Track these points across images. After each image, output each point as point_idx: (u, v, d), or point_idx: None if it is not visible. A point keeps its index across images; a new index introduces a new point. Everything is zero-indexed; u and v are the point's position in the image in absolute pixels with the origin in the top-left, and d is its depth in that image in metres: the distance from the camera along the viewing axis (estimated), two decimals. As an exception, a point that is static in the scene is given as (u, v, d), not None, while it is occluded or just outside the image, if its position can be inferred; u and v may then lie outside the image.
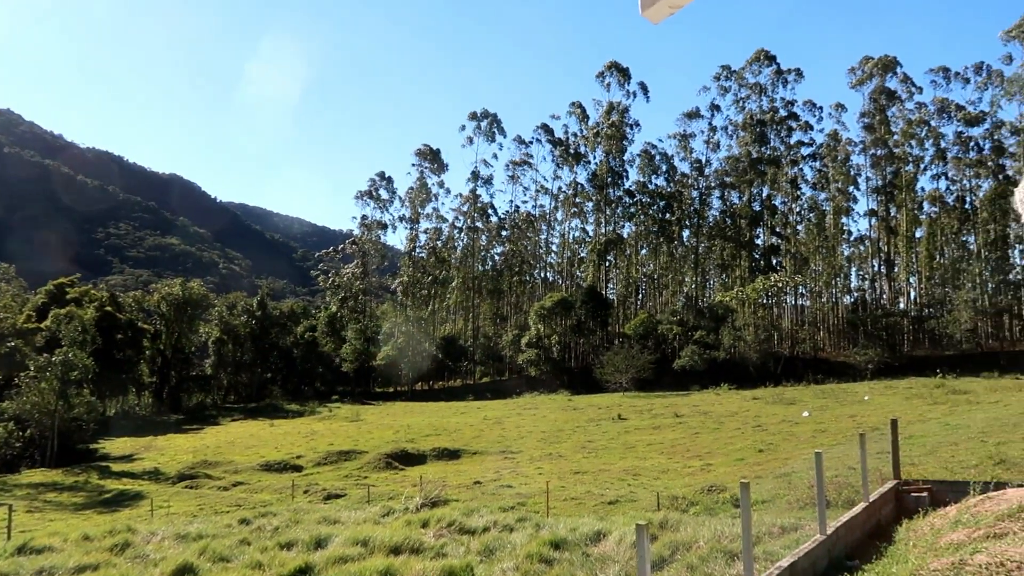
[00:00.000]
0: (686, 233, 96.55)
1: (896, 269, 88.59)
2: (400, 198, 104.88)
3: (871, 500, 13.48)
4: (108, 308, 72.97)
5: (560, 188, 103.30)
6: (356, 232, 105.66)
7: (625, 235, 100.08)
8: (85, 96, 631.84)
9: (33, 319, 68.01)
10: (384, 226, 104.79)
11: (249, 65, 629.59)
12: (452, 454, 38.57)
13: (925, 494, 14.26)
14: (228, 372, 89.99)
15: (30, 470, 41.13)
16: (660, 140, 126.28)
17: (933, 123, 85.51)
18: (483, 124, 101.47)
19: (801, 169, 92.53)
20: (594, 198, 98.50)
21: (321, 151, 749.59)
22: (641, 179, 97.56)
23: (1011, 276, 77.80)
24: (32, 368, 45.39)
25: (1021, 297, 78.03)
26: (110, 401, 76.16)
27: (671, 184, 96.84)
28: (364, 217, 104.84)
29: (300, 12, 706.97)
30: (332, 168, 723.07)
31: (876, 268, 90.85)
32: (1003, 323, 77.84)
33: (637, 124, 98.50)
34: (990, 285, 78.29)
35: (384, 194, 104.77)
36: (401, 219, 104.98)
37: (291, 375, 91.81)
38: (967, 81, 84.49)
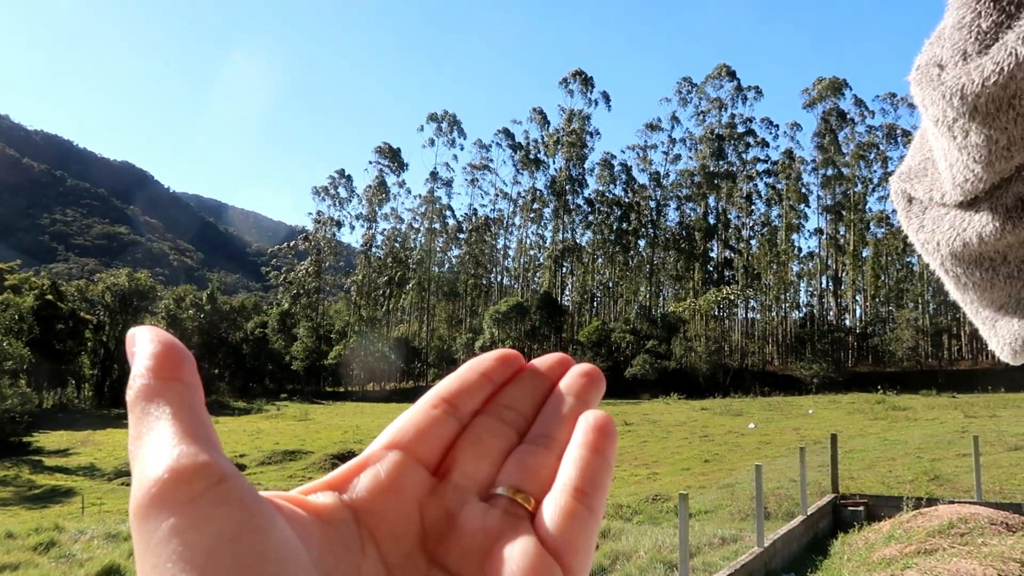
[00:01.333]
0: (642, 243, 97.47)
1: (843, 286, 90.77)
2: (359, 196, 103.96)
3: (809, 513, 13.66)
4: (49, 296, 70.66)
5: (519, 193, 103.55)
6: (311, 228, 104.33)
7: (582, 243, 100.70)
8: (37, 78, 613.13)
9: (-32, 305, 65.53)
10: (340, 224, 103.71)
11: (214, 60, 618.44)
12: (399, 457, 38.12)
13: (861, 508, 14.52)
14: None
15: (-43, 462, 39.51)
16: (622, 151, 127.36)
17: (882, 147, 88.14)
18: (443, 125, 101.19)
19: (756, 185, 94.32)
20: (552, 205, 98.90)
21: (282, 148, 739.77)
22: (600, 188, 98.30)
23: (951, 297, 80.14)
24: (-36, 356, 43.74)
25: (960, 318, 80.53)
26: (47, 393, 73.70)
27: (629, 194, 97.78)
28: (319, 213, 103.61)
29: (271, 12, 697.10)
30: (292, 165, 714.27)
31: (824, 285, 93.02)
32: (943, 342, 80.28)
33: (597, 132, 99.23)
34: (931, 305, 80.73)
35: (343, 192, 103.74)
36: (358, 217, 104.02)
37: (239, 372, 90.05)
38: (912, 107, 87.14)
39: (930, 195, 0.50)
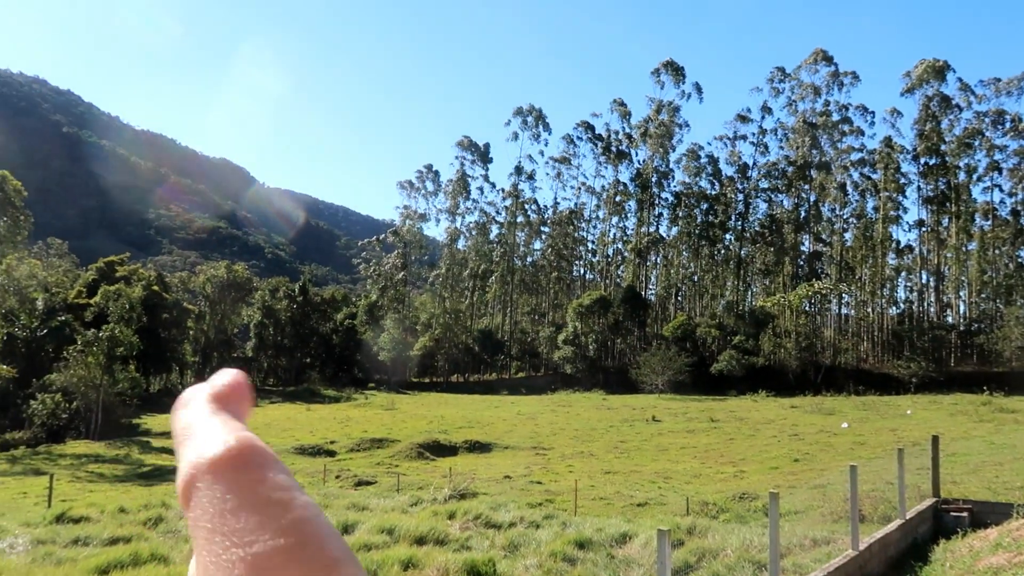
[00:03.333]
0: (729, 236, 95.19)
1: (944, 282, 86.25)
2: (444, 190, 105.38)
3: (908, 517, 13.12)
4: (155, 287, 74.66)
5: (603, 187, 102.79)
6: (398, 223, 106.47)
7: (667, 236, 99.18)
8: (138, 77, 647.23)
9: (83, 295, 69.88)
10: (426, 218, 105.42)
11: (311, 61, 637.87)
12: (483, 447, 38.65)
13: (965, 514, 13.84)
14: (268, 355, 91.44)
15: (74, 441, 42.31)
16: (708, 143, 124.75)
17: (987, 133, 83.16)
18: (529, 119, 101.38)
19: (850, 175, 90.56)
20: (637, 197, 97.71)
21: (370, 144, 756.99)
22: (686, 180, 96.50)
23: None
24: (80, 342, 46.66)
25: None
26: (154, 378, 78.00)
27: (715, 186, 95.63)
28: (406, 207, 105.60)
29: (367, 11, 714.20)
30: (380, 161, 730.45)
31: (924, 280, 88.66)
32: (1056, 342, 75.25)
33: (686, 124, 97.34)
34: (1044, 301, 75.79)
35: (429, 186, 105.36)
36: (443, 211, 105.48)
37: (329, 361, 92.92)
38: (1020, 92, 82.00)
39: None
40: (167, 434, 47.81)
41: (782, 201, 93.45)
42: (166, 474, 32.17)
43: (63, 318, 58.35)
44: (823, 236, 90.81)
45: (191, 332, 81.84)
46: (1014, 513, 13.00)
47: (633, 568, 11.63)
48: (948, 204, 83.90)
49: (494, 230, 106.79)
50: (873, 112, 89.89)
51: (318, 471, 31.41)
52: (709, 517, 17.90)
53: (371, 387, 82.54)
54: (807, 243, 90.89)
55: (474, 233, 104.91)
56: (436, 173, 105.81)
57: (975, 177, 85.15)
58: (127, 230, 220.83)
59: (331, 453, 37.50)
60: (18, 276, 54.23)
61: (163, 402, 67.35)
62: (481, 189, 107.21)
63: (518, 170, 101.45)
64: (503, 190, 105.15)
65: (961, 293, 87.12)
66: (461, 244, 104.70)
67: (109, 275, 74.26)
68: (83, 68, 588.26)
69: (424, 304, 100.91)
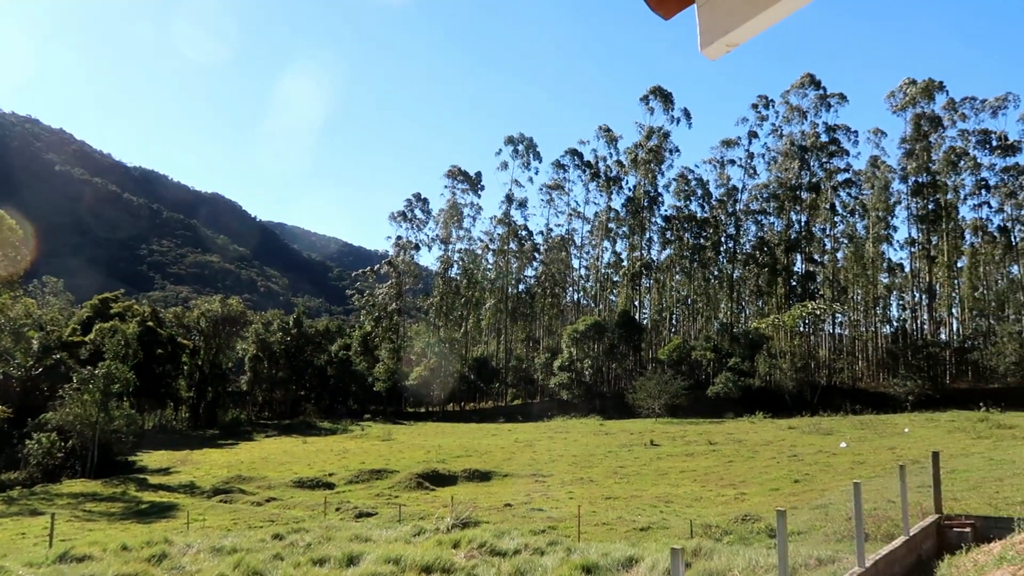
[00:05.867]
0: (721, 259, 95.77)
1: (937, 299, 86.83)
2: (434, 219, 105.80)
3: (911, 534, 13.19)
4: (150, 323, 74.48)
5: (595, 213, 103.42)
6: (391, 252, 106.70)
7: (659, 260, 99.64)
8: (126, 116, 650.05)
9: (78, 332, 69.64)
10: (418, 247, 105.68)
11: (281, 87, 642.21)
12: (483, 476, 38.51)
13: (968, 530, 13.92)
14: (263, 388, 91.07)
15: (71, 480, 41.92)
16: (696, 166, 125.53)
17: (971, 151, 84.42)
18: (520, 148, 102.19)
19: (839, 195, 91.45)
20: (628, 222, 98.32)
21: (356, 173, 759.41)
22: (677, 203, 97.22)
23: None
24: (75, 380, 46.40)
25: (1069, 330, 75.79)
26: (148, 415, 77.49)
27: (706, 209, 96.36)
28: (399, 238, 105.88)
29: (332, 36, 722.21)
30: (365, 189, 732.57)
31: (916, 298, 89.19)
32: (1050, 356, 75.64)
33: (677, 150, 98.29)
34: (1036, 317, 76.34)
35: (419, 215, 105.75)
36: (434, 240, 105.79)
37: (324, 393, 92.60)
38: (996, 111, 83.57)
39: None
40: (163, 470, 47.48)
41: (773, 223, 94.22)
42: (164, 511, 31.93)
43: (58, 356, 58.08)
44: (815, 256, 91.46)
45: (185, 367, 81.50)
46: (1016, 527, 13.09)
47: (641, 592, 11.65)
48: (938, 222, 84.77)
49: (488, 258, 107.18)
50: (856, 132, 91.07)
51: (318, 504, 31.24)
52: (713, 539, 17.91)
53: (367, 418, 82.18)
54: (799, 263, 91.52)
55: (467, 261, 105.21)
56: (425, 201, 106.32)
57: (963, 195, 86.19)
58: (120, 266, 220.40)
59: (330, 485, 37.29)
60: (13, 315, 54.03)
61: (158, 438, 66.98)
62: (473, 217, 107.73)
63: (509, 198, 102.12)
64: (494, 218, 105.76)
65: (954, 310, 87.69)
66: (454, 272, 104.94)
67: (104, 312, 74.09)
68: (74, 107, 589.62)
69: (418, 333, 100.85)
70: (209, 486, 38.24)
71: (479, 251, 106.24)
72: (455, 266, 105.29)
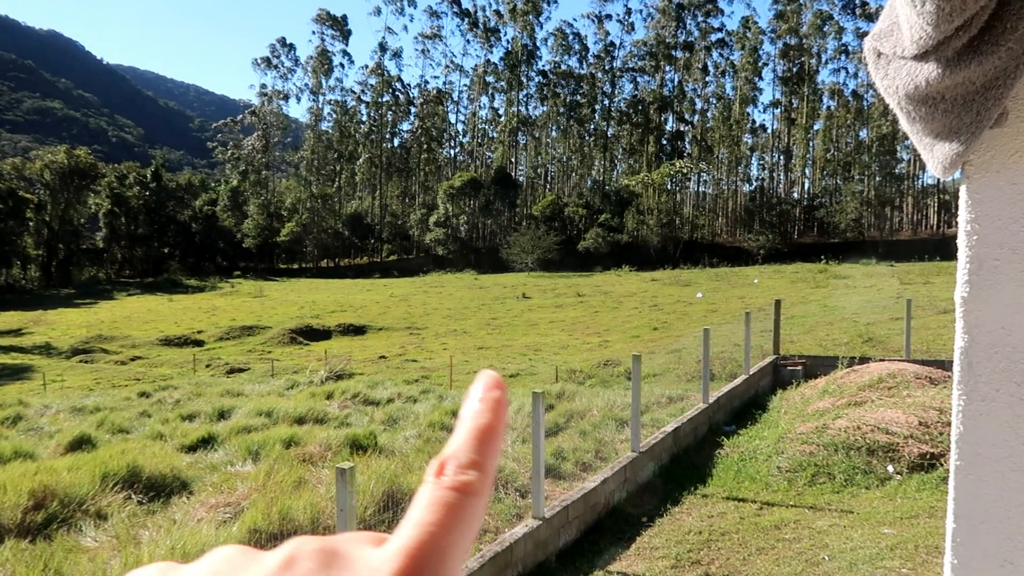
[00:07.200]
0: (597, 116, 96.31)
1: (793, 160, 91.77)
2: (303, 66, 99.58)
3: (751, 373, 14.55)
4: (-18, 174, 67.63)
5: (473, 67, 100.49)
6: (255, 102, 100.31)
7: (536, 116, 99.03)
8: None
9: None
10: (286, 97, 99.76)
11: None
12: (358, 330, 38.80)
13: (800, 368, 15.49)
14: (122, 246, 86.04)
15: (-94, 344, 38.95)
16: (575, 20, 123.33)
17: (836, 17, 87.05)
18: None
19: (712, 55, 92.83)
20: (506, 76, 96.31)
21: (216, 13, 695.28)
22: (554, 59, 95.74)
23: (896, 170, 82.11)
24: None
25: (904, 190, 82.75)
26: (-9, 273, 72.05)
27: (583, 66, 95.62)
28: (264, 87, 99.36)
29: None
30: (227, 32, 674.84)
31: (775, 158, 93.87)
32: (885, 214, 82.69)
33: (555, 0, 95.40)
34: (877, 178, 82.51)
35: (286, 62, 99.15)
36: (304, 89, 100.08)
37: (190, 250, 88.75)
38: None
39: (894, 50, 0.65)
40: (14, 332, 44.80)
41: (648, 82, 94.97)
42: (17, 373, 30.43)
43: None
44: (685, 116, 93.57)
45: (31, 224, 75.40)
46: (839, 365, 14.71)
47: (508, 432, 12.37)
48: (801, 85, 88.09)
49: (361, 110, 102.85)
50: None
51: (187, 361, 30.68)
52: (576, 383, 19.07)
53: (237, 275, 79.93)
54: (671, 123, 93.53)
55: (338, 113, 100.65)
56: (292, 47, 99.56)
57: (825, 59, 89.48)
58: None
59: (199, 343, 36.55)
60: None
61: (6, 299, 62.73)
62: (343, 65, 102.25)
63: (382, 47, 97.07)
64: (367, 68, 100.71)
65: (807, 170, 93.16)
66: (325, 125, 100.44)
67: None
68: None
69: (289, 188, 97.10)
70: (67, 346, 36.57)
71: (352, 103, 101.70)
72: (327, 119, 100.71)
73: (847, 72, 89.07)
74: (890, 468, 9.23)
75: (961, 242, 0.74)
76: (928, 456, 9.28)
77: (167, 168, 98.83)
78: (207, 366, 29.58)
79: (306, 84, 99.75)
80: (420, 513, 0.29)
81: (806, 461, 9.62)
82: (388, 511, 7.34)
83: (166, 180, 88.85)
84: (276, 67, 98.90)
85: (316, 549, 0.30)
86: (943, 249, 61.55)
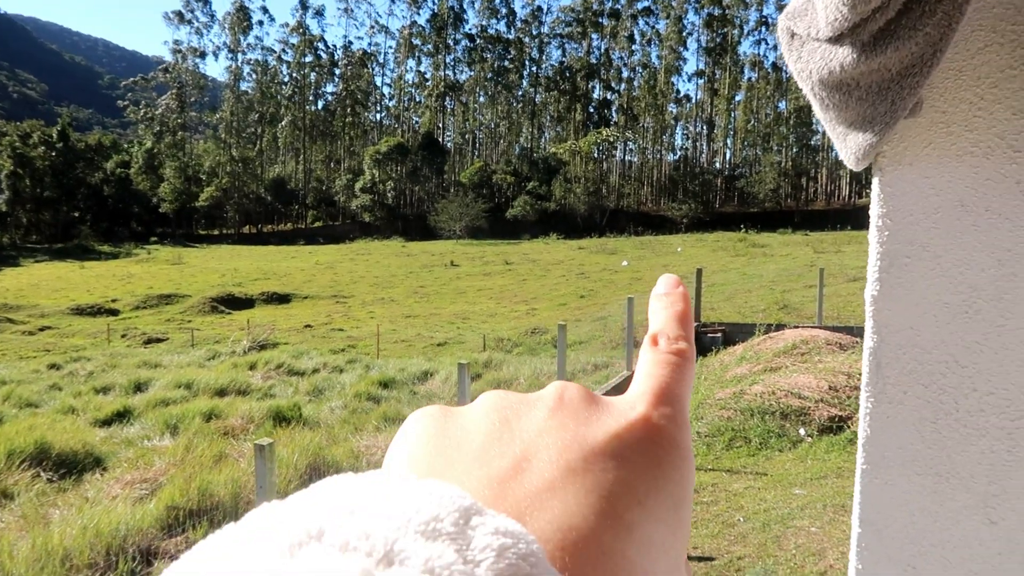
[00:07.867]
0: (525, 82, 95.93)
1: (716, 130, 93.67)
2: (220, 23, 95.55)
3: (673, 340, 14.90)
4: None
5: (399, 29, 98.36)
6: (169, 59, 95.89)
7: (463, 81, 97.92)
8: None
9: None
10: (202, 54, 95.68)
11: None
12: (282, 298, 38.02)
13: (719, 335, 15.99)
14: (27, 209, 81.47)
15: None
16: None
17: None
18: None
19: (638, 24, 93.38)
20: (433, 39, 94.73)
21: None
22: (481, 22, 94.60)
23: (812, 142, 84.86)
24: None
25: (818, 161, 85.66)
26: None
27: (511, 31, 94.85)
28: (177, 42, 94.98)
29: None
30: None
31: (698, 128, 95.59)
32: (801, 185, 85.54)
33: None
34: (794, 149, 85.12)
35: (201, 16, 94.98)
36: (221, 47, 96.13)
37: (102, 215, 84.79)
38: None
39: (808, 31, 0.61)
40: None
41: (576, 49, 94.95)
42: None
43: None
44: (612, 84, 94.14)
45: (-78, 184, 70.65)
46: (756, 332, 15.25)
47: (434, 401, 12.39)
48: (723, 56, 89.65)
49: (283, 70, 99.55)
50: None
51: (101, 331, 29.49)
52: (504, 352, 19.22)
53: (153, 241, 76.97)
54: (598, 91, 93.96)
55: (259, 73, 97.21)
56: (207, 1, 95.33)
57: (747, 30, 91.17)
58: None
59: (114, 312, 35.12)
60: None
61: None
62: (262, 23, 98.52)
63: (303, 5, 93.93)
64: (288, 26, 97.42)
65: (728, 141, 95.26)
66: (245, 85, 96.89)
67: None
68: None
69: (208, 151, 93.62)
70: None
71: (273, 63, 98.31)
72: (246, 79, 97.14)
73: (767, 44, 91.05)
74: (802, 431, 9.67)
75: (872, 238, 0.72)
76: (836, 419, 9.75)
77: (75, 127, 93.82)
78: (122, 336, 28.51)
79: (224, 42, 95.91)
80: (652, 368, 0.33)
81: (724, 426, 9.97)
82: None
83: (74, 140, 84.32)
84: (190, 22, 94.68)
85: (578, 386, 0.32)
86: (854, 219, 64.17)
